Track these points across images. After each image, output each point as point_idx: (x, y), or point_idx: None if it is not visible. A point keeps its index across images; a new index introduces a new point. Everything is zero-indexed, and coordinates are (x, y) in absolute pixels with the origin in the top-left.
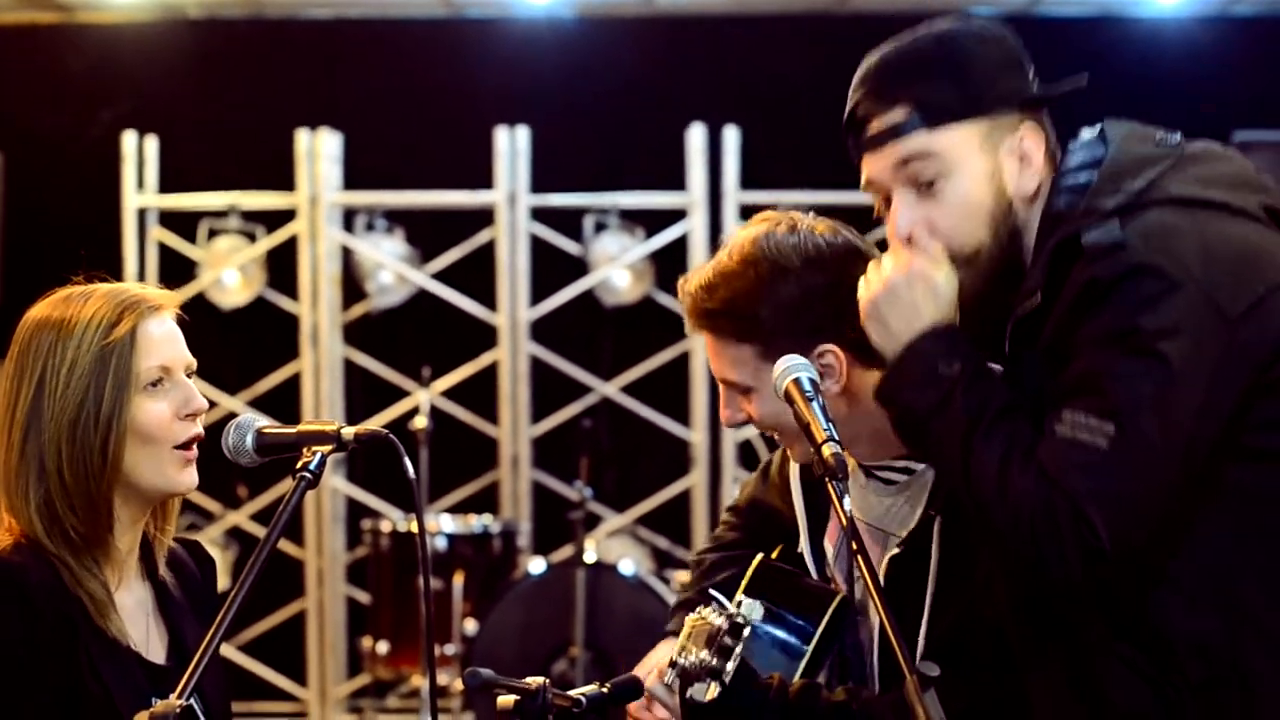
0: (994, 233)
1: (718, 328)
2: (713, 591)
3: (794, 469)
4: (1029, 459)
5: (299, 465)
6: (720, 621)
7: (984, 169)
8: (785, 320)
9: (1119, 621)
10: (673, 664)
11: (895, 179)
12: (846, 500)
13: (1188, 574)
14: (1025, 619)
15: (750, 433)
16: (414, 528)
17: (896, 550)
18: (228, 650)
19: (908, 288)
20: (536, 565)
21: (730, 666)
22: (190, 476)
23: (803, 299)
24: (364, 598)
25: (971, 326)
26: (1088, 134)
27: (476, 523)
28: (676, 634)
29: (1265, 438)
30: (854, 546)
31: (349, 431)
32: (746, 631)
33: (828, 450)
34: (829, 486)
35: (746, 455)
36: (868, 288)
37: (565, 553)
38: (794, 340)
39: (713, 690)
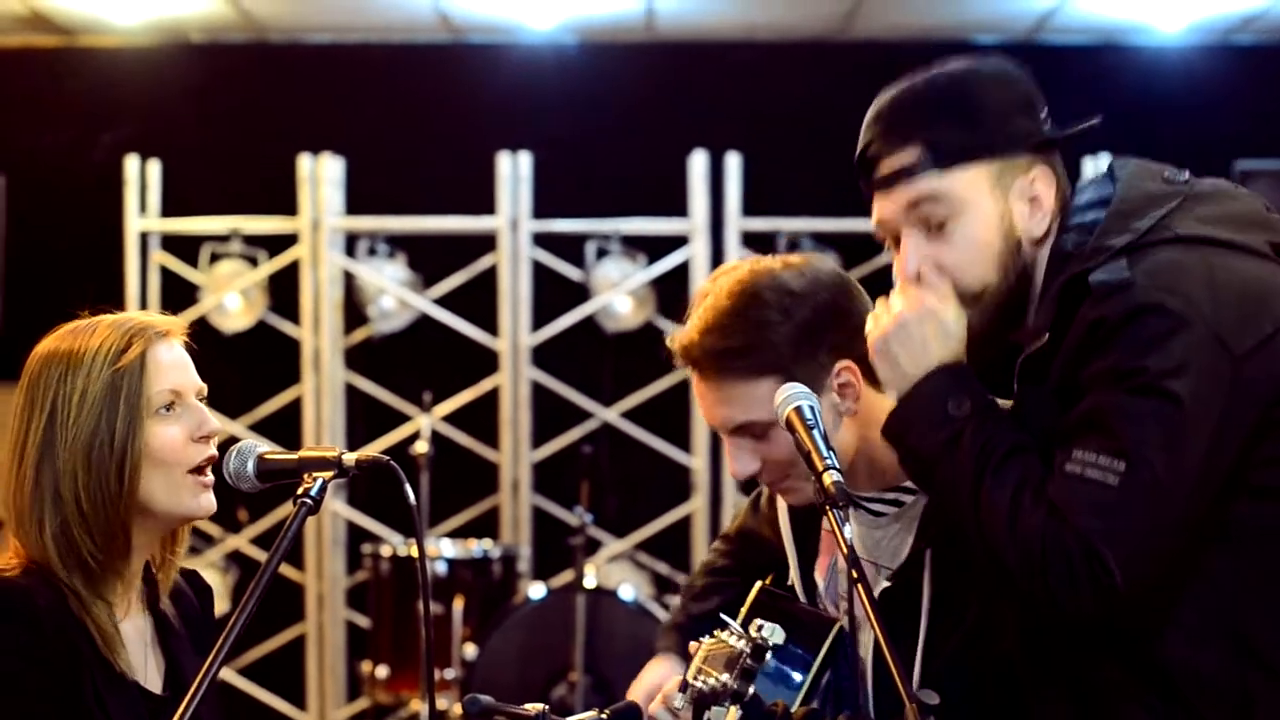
0: (1002, 273)
1: (730, 369)
2: (724, 616)
3: (782, 503)
4: (1039, 497)
5: (300, 491)
6: (742, 645)
7: (994, 211)
8: (802, 344)
9: (1126, 659)
10: (684, 687)
11: (905, 220)
12: (848, 528)
13: (1194, 611)
14: (1033, 657)
15: None
16: (414, 552)
17: (887, 584)
18: (228, 674)
19: (918, 325)
20: (536, 590)
21: (751, 690)
22: (208, 501)
23: (815, 318)
24: (364, 622)
25: (978, 364)
26: (1096, 171)
27: (477, 547)
28: (669, 653)
29: (1270, 475)
30: (854, 575)
31: (350, 457)
32: (769, 655)
33: (829, 479)
34: (830, 515)
35: (746, 481)
36: (877, 324)
37: (565, 578)
38: (814, 362)
39: (733, 713)
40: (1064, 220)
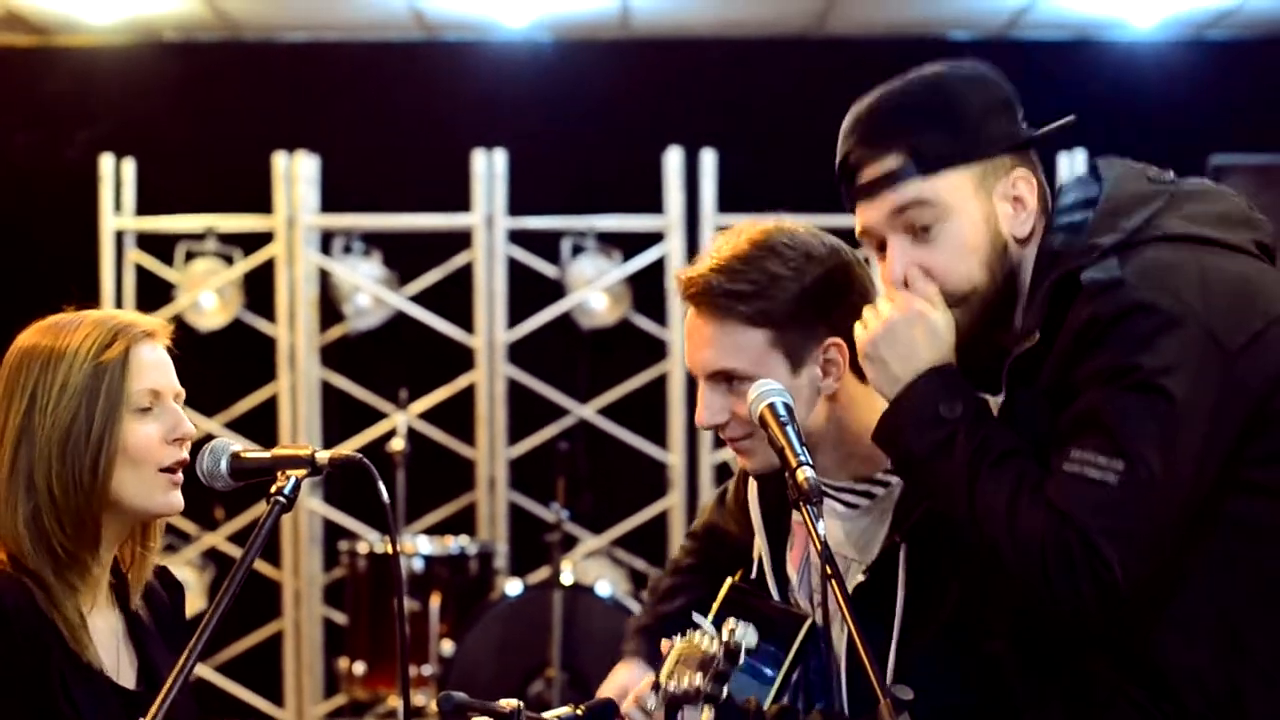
0: (989, 274)
1: (728, 309)
2: (696, 616)
3: (753, 493)
4: (1037, 497)
5: (273, 490)
6: (714, 648)
7: (979, 213)
8: (803, 308)
9: (1117, 656)
10: (655, 687)
11: (890, 226)
12: (821, 525)
13: (1185, 608)
14: (1023, 653)
15: (727, 454)
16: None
17: (862, 578)
18: (205, 671)
19: (907, 328)
20: (513, 587)
21: (725, 691)
22: (176, 499)
23: (822, 288)
24: (341, 619)
25: (967, 366)
26: (1071, 166)
27: (453, 544)
28: (636, 656)
29: (1263, 472)
30: (828, 571)
31: (323, 456)
32: (742, 657)
33: (802, 475)
34: (803, 511)
35: (723, 477)
36: (865, 328)
37: (542, 574)
38: (806, 329)
39: (707, 715)
40: (1050, 220)
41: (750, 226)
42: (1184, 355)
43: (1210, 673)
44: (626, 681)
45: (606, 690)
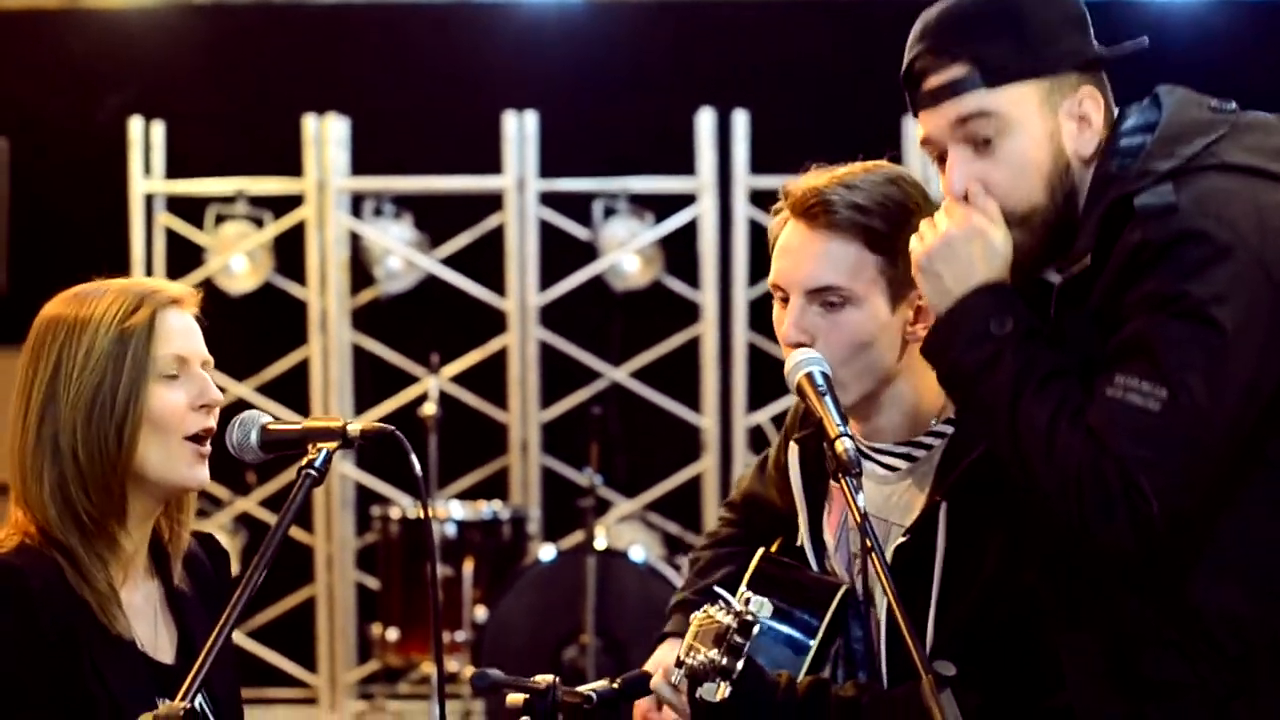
0: (1050, 194)
1: (850, 224)
2: (718, 589)
3: (794, 458)
4: (1078, 420)
5: (304, 462)
6: (729, 620)
7: (1043, 129)
8: None
9: (1156, 600)
10: (679, 663)
11: (952, 136)
12: (860, 497)
13: (1224, 548)
14: (1061, 601)
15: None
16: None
17: (903, 539)
18: (237, 637)
19: (965, 243)
20: (546, 552)
21: (740, 665)
22: (201, 472)
23: None
24: (374, 584)
25: (1022, 286)
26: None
27: (486, 509)
28: (675, 635)
29: None
30: (868, 545)
31: (355, 428)
32: (756, 629)
33: (841, 446)
34: (843, 482)
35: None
36: (922, 242)
37: (575, 539)
38: (908, 267)
39: (723, 690)
40: (1109, 144)
41: (884, 164)
42: (1235, 286)
43: (1248, 615)
44: (664, 659)
45: (647, 668)
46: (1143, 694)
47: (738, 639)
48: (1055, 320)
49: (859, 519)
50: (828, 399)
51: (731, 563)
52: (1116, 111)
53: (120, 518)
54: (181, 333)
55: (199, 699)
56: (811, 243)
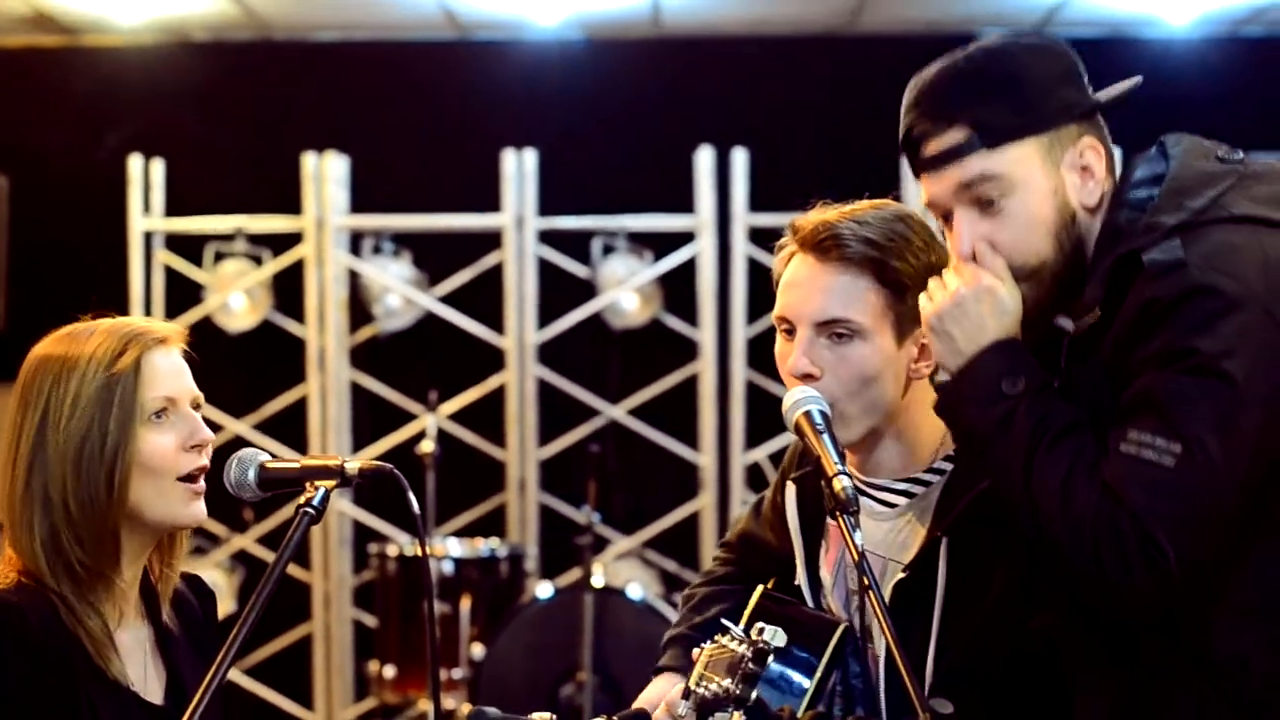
0: (1058, 246)
1: (860, 259)
2: (725, 621)
3: (791, 497)
4: (1094, 477)
5: (302, 500)
6: (742, 649)
7: (1047, 185)
8: (921, 284)
9: (1172, 645)
10: (687, 694)
11: (957, 199)
12: (858, 535)
13: (1239, 595)
14: (1077, 642)
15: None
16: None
17: (902, 574)
18: (233, 674)
19: (975, 302)
20: (544, 589)
21: (755, 694)
22: (198, 509)
23: (939, 271)
24: (371, 622)
25: (1033, 340)
26: (1147, 151)
27: (484, 546)
28: (670, 670)
29: None
30: (865, 583)
31: (353, 466)
32: (771, 658)
33: (839, 484)
34: (839, 520)
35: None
36: (932, 302)
37: (573, 576)
38: (915, 305)
39: (737, 718)
40: (1116, 196)
41: (888, 203)
42: (1244, 339)
43: (1262, 661)
44: (662, 692)
45: (641, 703)
46: None
47: (752, 667)
48: (1065, 371)
49: (856, 557)
50: (825, 437)
51: (726, 600)
52: (1120, 157)
53: (114, 561)
54: (169, 374)
55: None
56: (822, 276)
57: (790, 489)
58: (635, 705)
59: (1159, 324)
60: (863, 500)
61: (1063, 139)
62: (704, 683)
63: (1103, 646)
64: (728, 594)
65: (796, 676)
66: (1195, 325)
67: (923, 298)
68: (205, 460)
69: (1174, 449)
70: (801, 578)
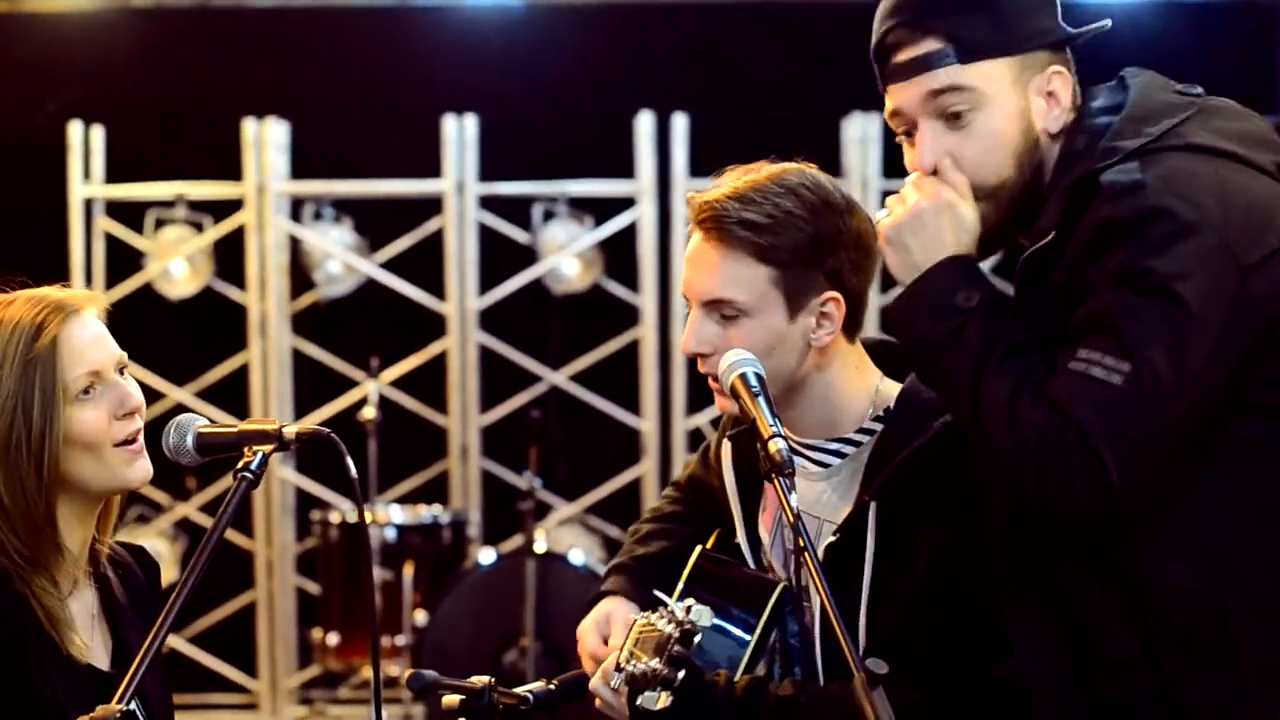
0: (1019, 168)
1: (737, 239)
2: (658, 594)
3: (726, 456)
4: (1040, 393)
5: (240, 465)
6: (670, 629)
7: (1014, 105)
8: (813, 254)
9: (1108, 575)
10: (619, 668)
11: (924, 110)
12: (793, 496)
13: (1178, 525)
14: (1015, 567)
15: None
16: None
17: (833, 538)
18: (179, 643)
19: (934, 216)
20: (486, 555)
21: (681, 675)
22: (143, 466)
23: (833, 239)
24: (314, 589)
25: (987, 258)
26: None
27: (426, 513)
28: (612, 594)
29: (1269, 392)
30: (800, 544)
31: (290, 430)
32: (697, 639)
33: (774, 446)
34: (775, 482)
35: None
36: (890, 214)
37: (515, 543)
38: (809, 277)
39: (664, 699)
40: (1076, 123)
41: (775, 165)
42: (1199, 263)
43: (1199, 591)
44: (606, 613)
45: (587, 623)
46: (1093, 666)
47: (679, 649)
48: (1017, 294)
49: (792, 519)
50: (761, 399)
51: (670, 539)
52: (1082, 92)
53: (54, 544)
54: (89, 344)
55: (134, 703)
56: (707, 255)
57: (726, 447)
58: (580, 628)
59: (1114, 244)
60: (797, 460)
61: (1033, 63)
62: (633, 660)
63: (1040, 582)
64: (673, 533)
65: (737, 634)
66: (1151, 246)
67: (880, 213)
68: (139, 423)
69: (1123, 367)
70: (741, 536)
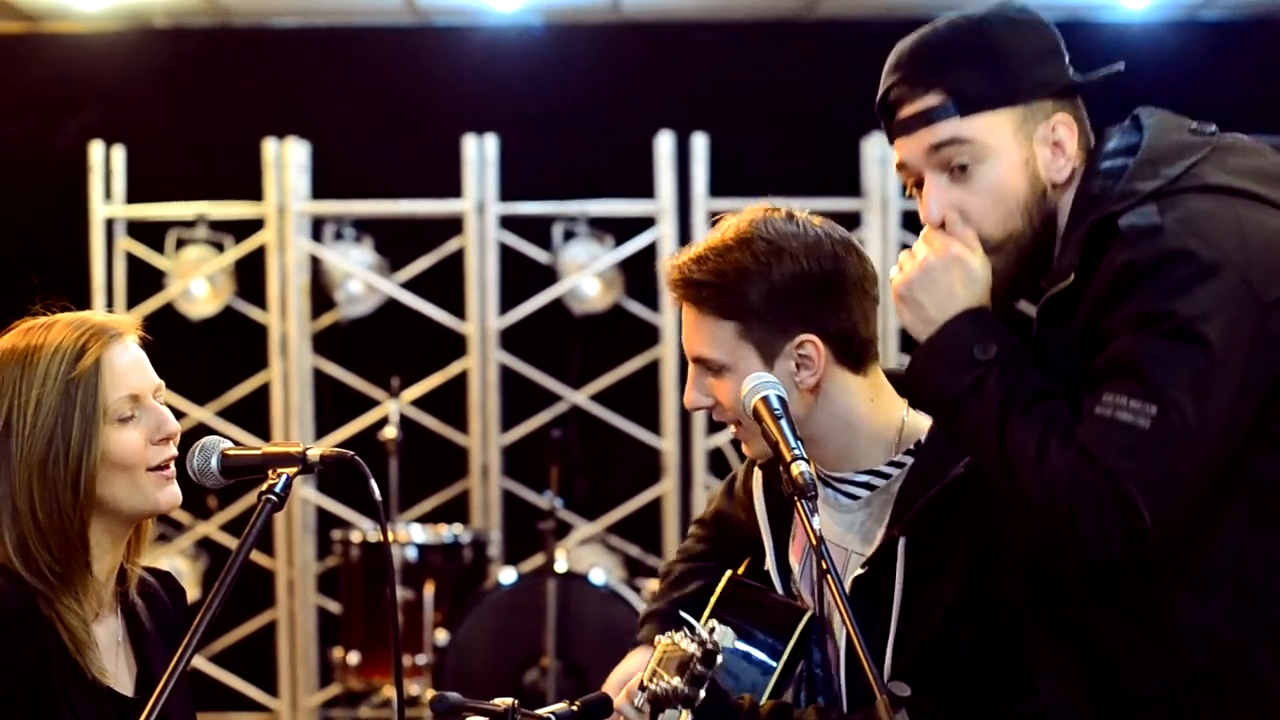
0: (1027, 219)
1: (701, 300)
2: (683, 614)
3: (758, 484)
4: (1068, 439)
5: (264, 487)
6: (692, 649)
7: (1018, 156)
8: (772, 303)
9: (1129, 609)
10: (643, 687)
11: (928, 163)
12: (816, 519)
13: (1202, 562)
14: (1037, 601)
15: (720, 440)
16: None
17: (861, 571)
18: (198, 661)
19: (944, 270)
20: (507, 575)
21: (703, 694)
22: (173, 492)
23: (794, 284)
24: (335, 608)
25: (1002, 313)
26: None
27: (447, 533)
28: (646, 643)
29: None
30: (824, 567)
31: (314, 453)
32: (719, 659)
33: (797, 469)
34: (798, 505)
35: (717, 463)
36: (901, 271)
37: (536, 562)
38: (776, 325)
39: (685, 718)
40: (1090, 165)
41: (745, 214)
42: (1220, 304)
43: (1221, 631)
44: (631, 669)
45: (614, 676)
46: (1116, 703)
47: (700, 668)
48: (1037, 339)
49: (814, 541)
50: (783, 422)
51: (702, 577)
52: (1093, 135)
53: (84, 562)
54: (130, 369)
55: None
56: (685, 316)
57: (757, 476)
58: (606, 682)
59: (1135, 288)
60: (826, 491)
61: (1037, 113)
62: (656, 679)
63: (1064, 619)
64: (705, 570)
65: (763, 660)
66: (1172, 289)
67: (893, 269)
68: (173, 449)
69: (1150, 410)
70: (770, 563)
